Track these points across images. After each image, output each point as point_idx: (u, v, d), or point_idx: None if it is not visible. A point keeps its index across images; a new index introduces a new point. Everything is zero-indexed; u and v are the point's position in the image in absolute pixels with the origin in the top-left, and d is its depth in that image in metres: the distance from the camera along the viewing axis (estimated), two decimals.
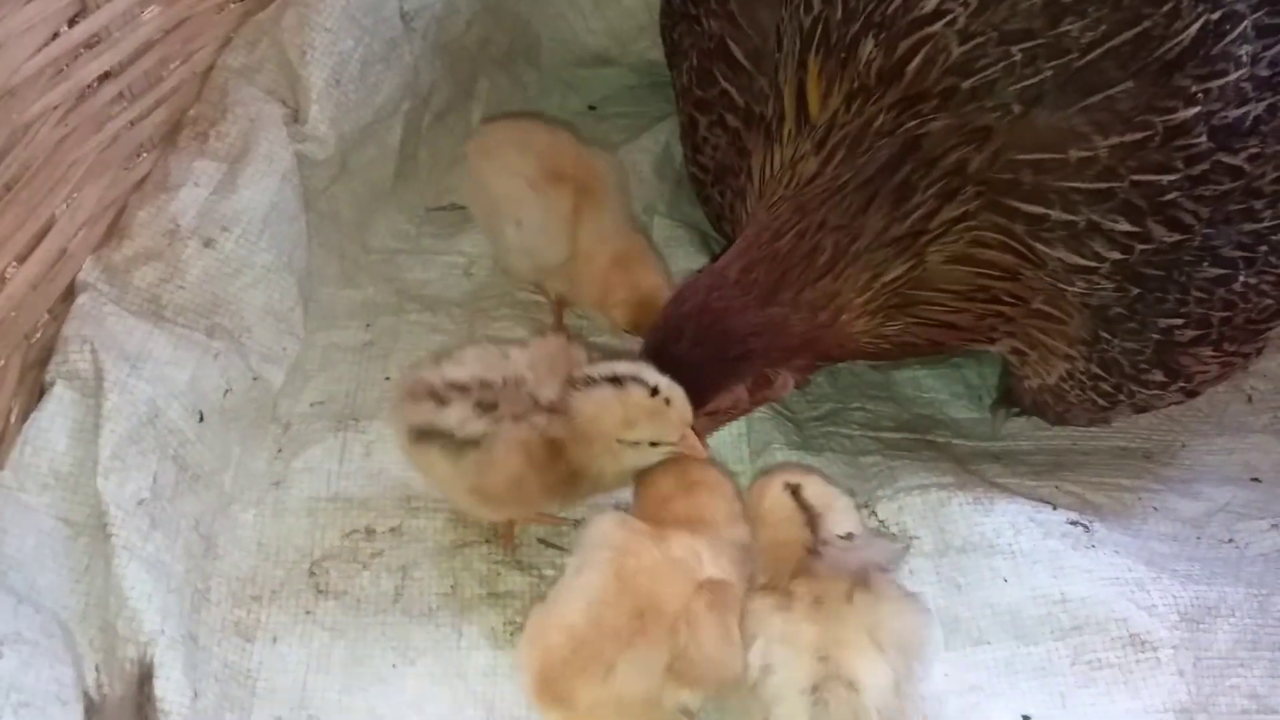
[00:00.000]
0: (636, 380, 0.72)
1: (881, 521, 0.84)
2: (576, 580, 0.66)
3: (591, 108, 1.20)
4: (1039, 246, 0.75)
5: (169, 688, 0.68)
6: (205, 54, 0.92)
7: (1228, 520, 0.88)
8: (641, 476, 0.75)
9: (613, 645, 0.63)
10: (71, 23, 0.80)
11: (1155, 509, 0.88)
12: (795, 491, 0.73)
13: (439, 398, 0.75)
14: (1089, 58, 0.71)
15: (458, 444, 0.74)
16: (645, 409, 0.71)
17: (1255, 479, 0.92)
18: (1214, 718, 0.75)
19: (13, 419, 0.76)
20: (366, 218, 1.03)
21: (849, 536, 0.71)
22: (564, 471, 0.75)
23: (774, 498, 0.73)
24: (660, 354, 0.75)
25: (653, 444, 0.73)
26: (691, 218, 1.05)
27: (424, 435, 0.75)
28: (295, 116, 0.92)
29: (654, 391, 0.71)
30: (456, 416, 0.74)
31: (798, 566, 0.69)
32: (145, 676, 0.67)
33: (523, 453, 0.73)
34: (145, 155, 0.89)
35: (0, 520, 0.70)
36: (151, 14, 0.85)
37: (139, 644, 0.69)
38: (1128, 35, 0.70)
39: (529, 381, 0.76)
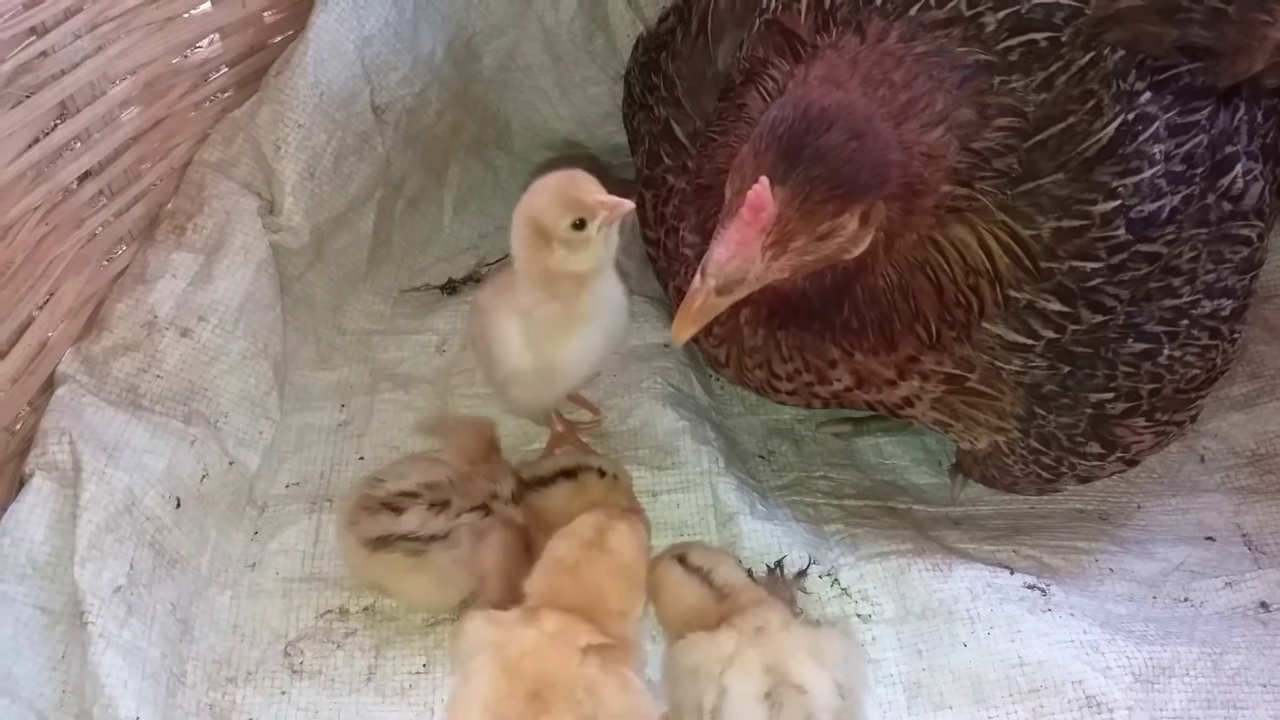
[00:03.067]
0: (586, 469, 0.81)
1: (844, 589, 0.86)
2: (466, 689, 0.69)
3: None
4: (979, 321, 0.78)
5: None
6: (182, 150, 0.95)
7: (1183, 579, 0.91)
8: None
9: None
10: (53, 127, 0.83)
11: (1111, 570, 0.91)
12: (681, 559, 0.79)
13: (393, 508, 0.79)
14: (1027, 144, 0.74)
15: (422, 542, 0.78)
16: (601, 491, 0.77)
17: (1209, 538, 0.94)
18: None
19: None
20: (341, 301, 1.06)
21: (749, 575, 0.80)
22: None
23: (663, 569, 0.79)
24: (796, 142, 0.66)
25: None
26: (658, 293, 1.08)
27: (384, 542, 0.79)
28: (270, 208, 0.95)
29: (602, 473, 0.81)
30: (416, 520, 0.78)
31: (727, 610, 0.74)
32: None
33: (500, 548, 0.79)
34: (124, 249, 0.93)
35: None
36: (130, 114, 0.89)
37: None
38: (1054, 130, 0.74)
39: (475, 476, 0.80)
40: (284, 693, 0.81)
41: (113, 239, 0.91)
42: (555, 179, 0.78)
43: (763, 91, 0.82)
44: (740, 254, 0.66)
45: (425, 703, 0.80)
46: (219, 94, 0.97)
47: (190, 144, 0.96)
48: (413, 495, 0.80)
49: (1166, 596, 0.89)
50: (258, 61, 0.98)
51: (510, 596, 0.78)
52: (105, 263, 0.90)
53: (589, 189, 0.77)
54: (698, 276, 0.67)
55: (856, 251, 0.72)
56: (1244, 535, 0.94)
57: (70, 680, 0.73)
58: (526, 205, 0.79)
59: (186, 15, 0.90)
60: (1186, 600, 0.89)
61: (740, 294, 0.68)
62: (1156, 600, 0.89)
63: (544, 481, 0.84)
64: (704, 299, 0.67)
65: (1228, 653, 0.84)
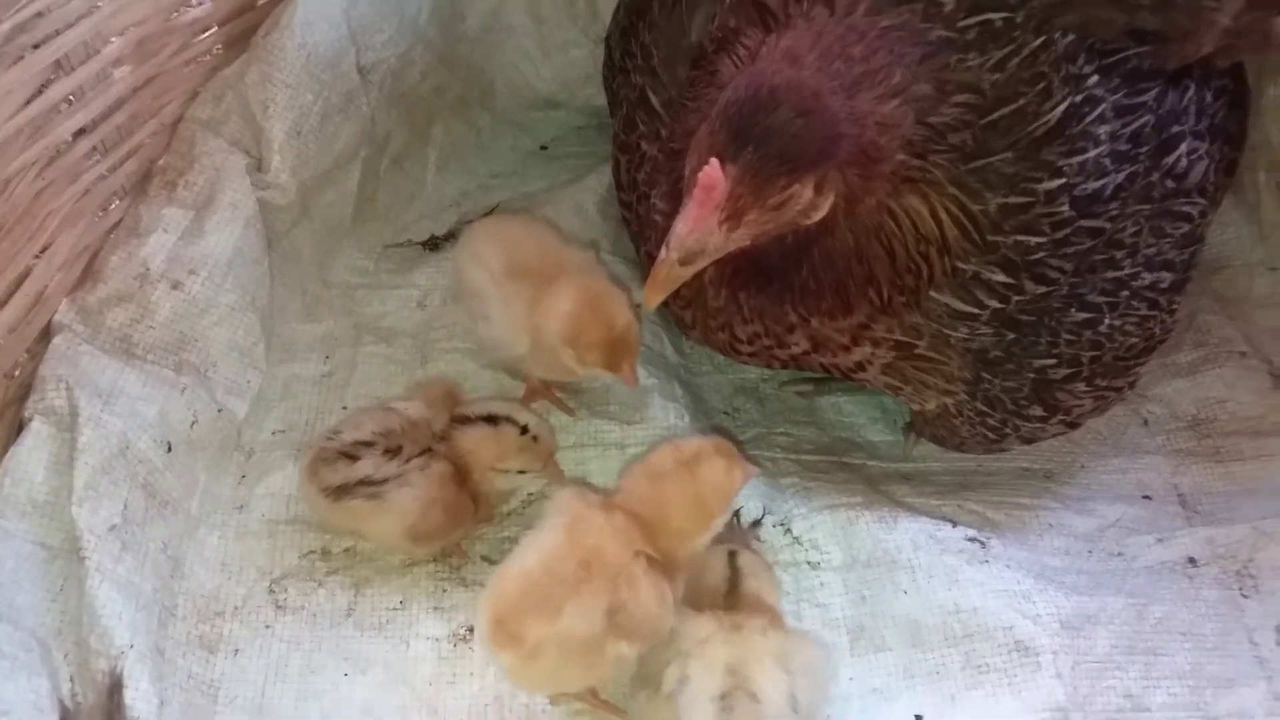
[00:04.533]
0: (509, 420, 0.86)
1: (796, 538, 0.92)
2: (533, 538, 0.77)
3: (543, 148, 1.27)
4: (931, 292, 0.82)
5: (138, 697, 0.76)
6: (173, 108, 0.99)
7: (1118, 535, 0.96)
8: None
9: (561, 590, 0.73)
10: (48, 84, 0.86)
11: (1050, 525, 0.96)
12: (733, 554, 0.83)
13: (349, 456, 0.85)
14: (981, 123, 0.78)
15: (377, 485, 0.83)
16: (515, 445, 0.86)
17: (1146, 497, 1.00)
18: (1089, 716, 0.83)
19: None
20: (326, 256, 1.10)
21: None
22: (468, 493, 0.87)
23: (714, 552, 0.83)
24: (744, 122, 0.70)
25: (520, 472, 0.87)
26: (632, 253, 1.12)
27: (344, 490, 0.84)
28: (259, 166, 0.99)
29: (524, 430, 0.86)
30: (371, 465, 0.84)
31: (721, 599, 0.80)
32: (115, 687, 0.75)
33: (436, 480, 0.85)
34: (117, 203, 0.96)
35: None
36: (123, 73, 0.92)
37: (110, 657, 0.76)
38: (1006, 110, 0.77)
39: (426, 422, 0.88)
40: (268, 626, 0.87)
41: (106, 194, 0.95)
42: (595, 314, 0.88)
43: (735, 60, 0.85)
44: (697, 229, 0.70)
45: (401, 636, 0.86)
46: (209, 53, 1.00)
47: (181, 102, 0.99)
48: (368, 444, 0.86)
49: (1101, 551, 0.95)
50: (246, 21, 1.01)
51: (450, 524, 0.86)
52: (99, 216, 0.94)
53: (630, 354, 0.88)
54: (663, 248, 0.72)
55: (817, 216, 0.76)
56: (1179, 495, 1.00)
57: (68, 611, 0.79)
58: (559, 318, 0.89)
59: None
60: (1120, 555, 0.95)
61: (702, 263, 0.73)
62: (1091, 554, 0.94)
63: (466, 420, 0.89)
64: (668, 270, 0.73)
65: (1152, 604, 0.90)
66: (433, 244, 1.15)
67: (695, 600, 0.79)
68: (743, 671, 0.74)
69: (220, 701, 0.82)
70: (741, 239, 0.73)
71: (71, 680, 0.76)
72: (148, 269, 0.92)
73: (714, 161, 0.69)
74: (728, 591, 0.80)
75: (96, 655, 0.76)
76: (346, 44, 1.01)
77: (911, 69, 0.77)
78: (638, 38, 1.03)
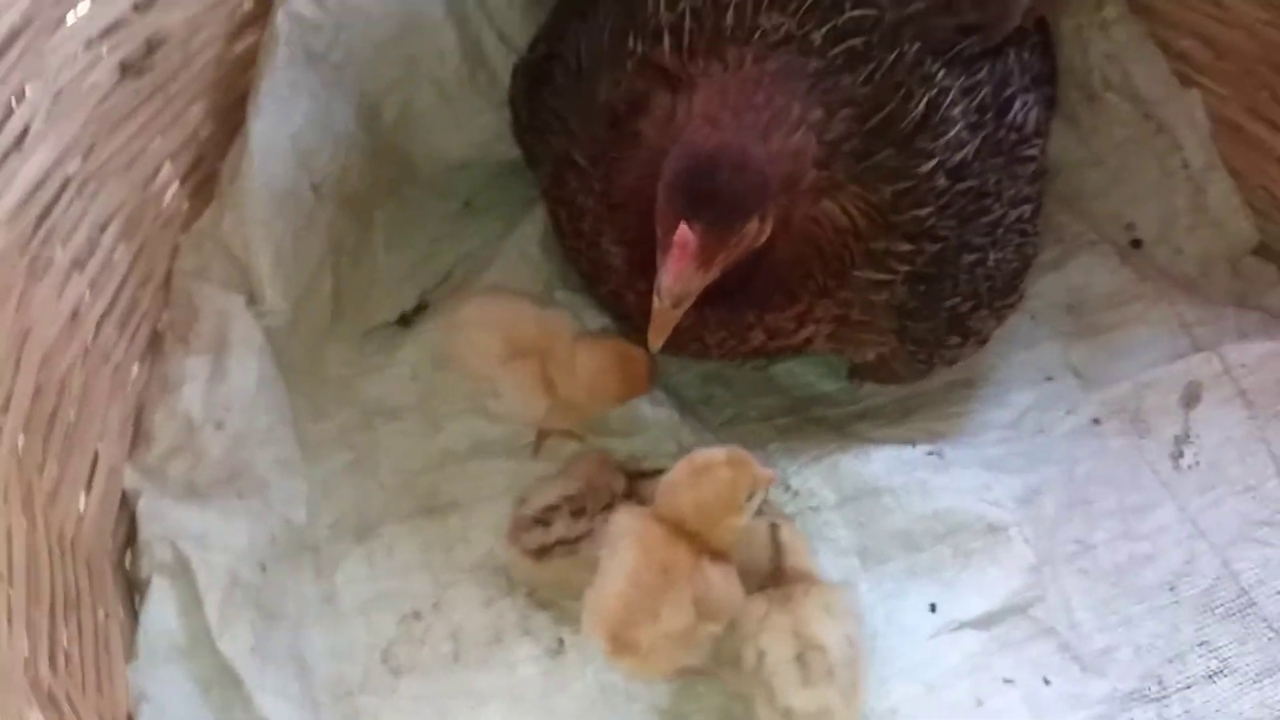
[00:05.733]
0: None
1: (795, 492, 1.10)
2: (614, 561, 0.91)
3: (466, 204, 1.39)
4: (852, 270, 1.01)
5: None
6: (161, 268, 1.09)
7: (1035, 416, 1.17)
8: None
9: (652, 597, 0.88)
10: (67, 283, 0.95)
11: (983, 424, 1.17)
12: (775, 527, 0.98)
13: (542, 522, 1.00)
14: (864, 130, 0.96)
15: (573, 543, 0.98)
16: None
17: (1049, 378, 1.20)
18: (1054, 564, 1.05)
19: (121, 615, 0.95)
20: (317, 359, 1.20)
21: None
22: None
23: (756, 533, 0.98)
24: (696, 189, 0.85)
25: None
26: (579, 285, 1.26)
27: (544, 552, 0.99)
28: (252, 299, 1.10)
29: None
30: (563, 527, 0.99)
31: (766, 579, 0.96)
32: None
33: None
34: (137, 368, 1.06)
35: (153, 695, 0.89)
36: (120, 253, 1.02)
37: None
38: (879, 116, 0.96)
39: (606, 485, 1.02)
40: (393, 690, 1.01)
41: (130, 362, 1.05)
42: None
43: (652, 119, 1.00)
44: (681, 279, 0.87)
45: (506, 664, 1.02)
46: (178, 211, 1.11)
47: (165, 260, 1.09)
48: (555, 508, 1.01)
49: (1026, 433, 1.16)
50: (202, 174, 1.12)
51: None
52: (130, 385, 1.04)
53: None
54: (655, 298, 0.88)
55: (763, 239, 0.93)
56: (1074, 370, 1.21)
57: None
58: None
59: (145, 150, 1.03)
60: (1041, 432, 1.16)
61: (689, 303, 0.90)
62: (1019, 438, 1.15)
63: (645, 475, 1.04)
64: (664, 315, 0.90)
65: (1077, 464, 1.12)
66: (404, 321, 1.26)
67: (744, 579, 0.95)
68: (805, 632, 0.91)
69: None
70: (714, 275, 0.90)
71: None
72: (191, 418, 1.04)
73: (683, 226, 0.85)
74: (772, 570, 0.96)
75: None
76: (299, 171, 1.12)
77: (802, 100, 0.95)
78: (545, 104, 1.17)
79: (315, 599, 1.06)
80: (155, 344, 1.08)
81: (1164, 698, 1.00)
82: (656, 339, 0.92)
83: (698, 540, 0.92)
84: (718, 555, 0.92)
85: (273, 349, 1.12)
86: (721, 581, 0.91)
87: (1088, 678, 1.01)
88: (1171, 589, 1.06)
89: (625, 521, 0.94)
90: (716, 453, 0.95)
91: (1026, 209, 1.09)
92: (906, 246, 1.00)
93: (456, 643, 1.04)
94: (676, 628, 0.89)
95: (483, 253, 1.28)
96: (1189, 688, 1.00)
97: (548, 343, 1.10)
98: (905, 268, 1.01)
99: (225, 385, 1.06)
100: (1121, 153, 1.33)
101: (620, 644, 0.89)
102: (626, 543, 0.92)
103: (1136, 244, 1.31)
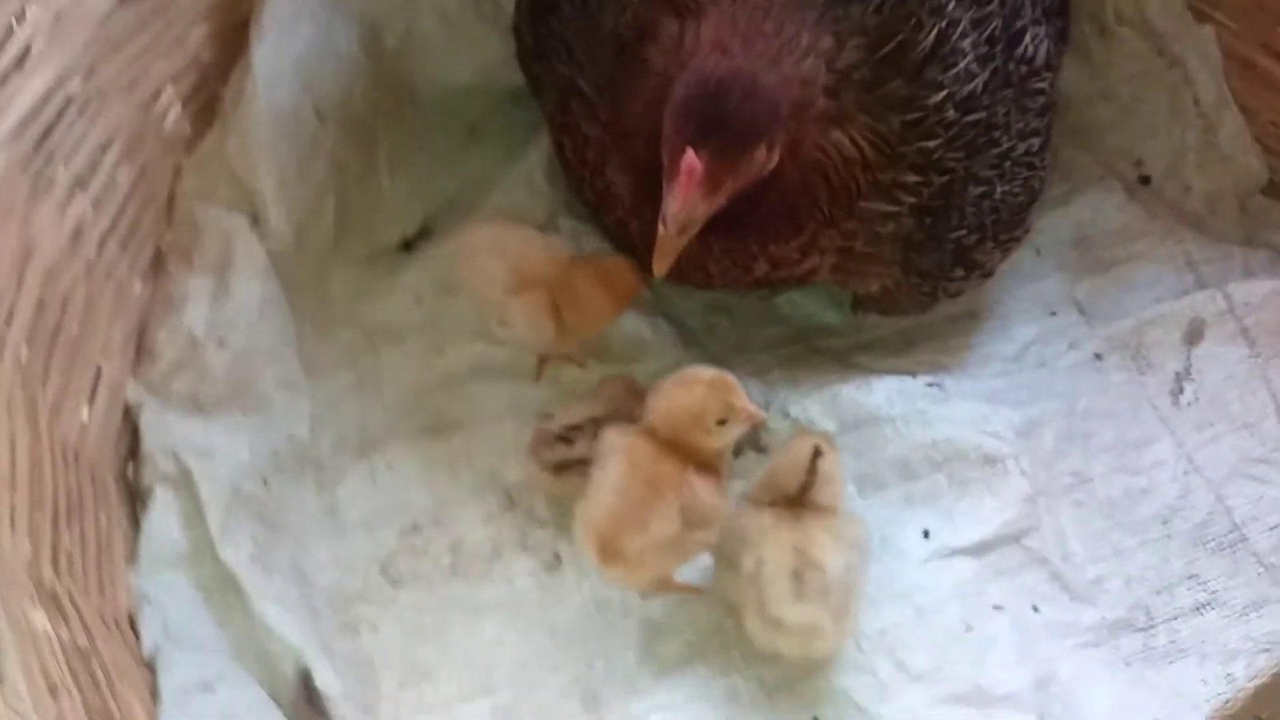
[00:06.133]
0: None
1: (795, 419, 1.11)
2: (603, 475, 0.93)
3: (471, 130, 1.38)
4: (858, 201, 1.00)
5: (324, 682, 0.92)
6: (164, 188, 1.09)
7: (1037, 350, 1.18)
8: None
9: (639, 509, 0.90)
10: (69, 201, 0.96)
11: (985, 357, 1.17)
12: (818, 450, 0.96)
13: (566, 439, 1.01)
14: (874, 59, 0.96)
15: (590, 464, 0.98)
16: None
17: (1052, 313, 1.20)
18: (1050, 496, 1.06)
19: (124, 523, 0.97)
20: (322, 280, 1.21)
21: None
22: None
23: (798, 445, 0.97)
24: (704, 115, 0.85)
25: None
26: (583, 213, 1.26)
27: (563, 468, 1.00)
28: (255, 220, 1.11)
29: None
30: (584, 447, 0.99)
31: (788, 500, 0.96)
32: (306, 677, 0.91)
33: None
34: (140, 286, 1.07)
35: (157, 601, 0.92)
36: (123, 174, 1.02)
37: (293, 658, 0.92)
38: (890, 46, 0.95)
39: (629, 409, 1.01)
40: (392, 601, 1.03)
41: (134, 281, 1.06)
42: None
43: (660, 47, 0.99)
44: (687, 206, 0.87)
45: (505, 577, 1.04)
46: (180, 134, 1.10)
47: (167, 181, 1.10)
48: (578, 428, 1.02)
49: (1028, 366, 1.16)
50: (203, 97, 1.12)
51: None
52: (134, 303, 1.05)
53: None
54: (660, 225, 0.88)
55: (770, 166, 0.93)
56: (1077, 304, 1.21)
57: (239, 636, 0.94)
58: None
59: (147, 72, 1.03)
60: (1042, 366, 1.16)
61: (694, 230, 0.90)
62: (1021, 371, 1.16)
63: None
64: (669, 242, 0.90)
65: (1078, 398, 1.12)
66: (407, 245, 1.27)
67: (767, 492, 0.97)
68: (807, 549, 0.92)
69: (378, 667, 0.99)
70: (721, 202, 0.90)
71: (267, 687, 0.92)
72: (194, 336, 1.05)
73: (689, 152, 0.85)
74: (797, 494, 0.95)
75: (280, 660, 0.92)
76: (302, 95, 1.12)
77: (812, 28, 0.94)
78: (552, 31, 1.15)
79: (317, 512, 1.07)
80: (159, 263, 1.09)
81: (1151, 628, 1.01)
82: (661, 266, 0.92)
83: (685, 452, 0.93)
84: (704, 467, 0.93)
85: (276, 270, 1.13)
86: (706, 492, 0.92)
87: (1077, 606, 1.02)
88: (1165, 523, 1.07)
89: (614, 438, 0.95)
90: (704, 371, 0.95)
91: (1035, 142, 1.08)
92: (914, 178, 1.00)
93: (455, 556, 1.05)
94: (663, 536, 0.91)
95: (487, 179, 1.28)
96: (1176, 619, 1.02)
97: (554, 271, 1.10)
98: (912, 199, 1.01)
99: (228, 305, 1.07)
100: (1132, 87, 1.31)
101: (609, 553, 0.91)
102: (615, 459, 0.93)
103: (1145, 180, 1.30)
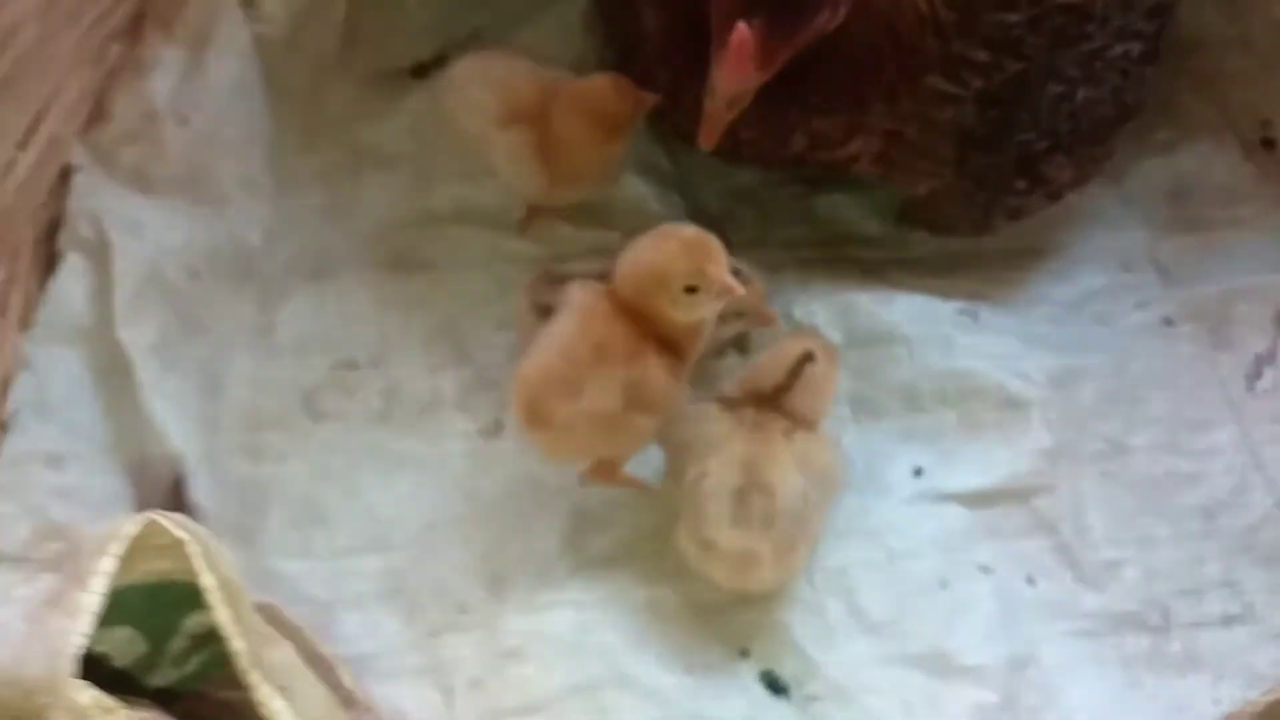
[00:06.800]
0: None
1: (798, 323, 0.97)
2: (551, 330, 0.81)
3: None
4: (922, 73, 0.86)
5: (198, 492, 0.82)
6: None
7: (1101, 302, 1.03)
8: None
9: (578, 371, 0.78)
10: None
11: (1036, 297, 1.02)
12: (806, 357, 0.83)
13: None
14: None
15: None
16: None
17: (1126, 268, 1.05)
18: (1075, 459, 0.91)
19: (32, 287, 0.87)
20: (317, 88, 1.11)
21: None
22: None
23: (792, 341, 0.85)
24: None
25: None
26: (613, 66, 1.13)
27: (547, 311, 0.86)
28: (249, 1, 1.00)
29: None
30: None
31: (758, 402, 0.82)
32: (179, 483, 0.82)
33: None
34: (115, 47, 0.97)
35: (39, 369, 0.82)
36: None
37: (170, 459, 0.82)
38: None
39: None
40: (307, 434, 0.93)
41: (105, 37, 0.95)
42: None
43: None
44: (735, 79, 0.75)
45: (434, 434, 0.93)
46: None
47: None
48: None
49: (1084, 318, 1.01)
50: None
51: None
52: (100, 59, 0.95)
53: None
54: (708, 99, 0.77)
55: (834, 25, 0.79)
56: (1157, 264, 1.05)
57: (123, 426, 0.84)
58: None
59: None
60: (1101, 322, 1.01)
61: (744, 103, 0.78)
62: (1073, 320, 1.01)
63: None
64: (718, 116, 0.78)
65: (1132, 360, 0.97)
66: (419, 70, 1.15)
67: (741, 390, 0.84)
68: (758, 469, 0.78)
69: (271, 498, 0.88)
70: (773, 72, 0.77)
71: (135, 484, 0.82)
72: (154, 107, 0.95)
73: (740, 27, 0.72)
74: (771, 396, 0.82)
75: (156, 460, 0.82)
76: None
77: None
78: None
79: (249, 326, 0.97)
80: (136, 28, 0.99)
81: (1165, 630, 0.85)
82: (708, 137, 0.79)
83: (647, 322, 0.79)
84: (667, 345, 0.80)
85: (265, 64, 1.03)
86: (659, 372, 0.79)
87: (1080, 589, 0.86)
88: (1208, 518, 0.90)
89: (576, 293, 0.82)
90: (686, 228, 0.81)
91: (1136, 47, 0.92)
92: (985, 55, 0.85)
93: (387, 401, 0.95)
94: (598, 409, 0.78)
95: (521, 13, 1.16)
96: (1198, 626, 0.85)
97: (546, 106, 0.96)
98: (979, 83, 0.86)
99: (198, 82, 0.97)
100: (1274, 38, 1.12)
101: (534, 414, 0.78)
102: (567, 313, 0.81)
103: (1268, 144, 1.12)
